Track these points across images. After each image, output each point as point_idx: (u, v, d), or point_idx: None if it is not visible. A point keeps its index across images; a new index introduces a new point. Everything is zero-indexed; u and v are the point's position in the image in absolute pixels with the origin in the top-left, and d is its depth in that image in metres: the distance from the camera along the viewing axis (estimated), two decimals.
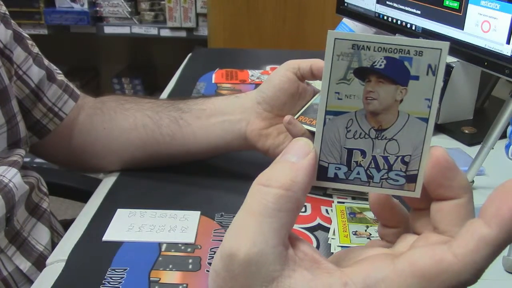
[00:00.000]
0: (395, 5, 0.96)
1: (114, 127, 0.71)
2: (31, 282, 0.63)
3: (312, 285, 0.25)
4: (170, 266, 0.55)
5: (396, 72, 0.26)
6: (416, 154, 0.27)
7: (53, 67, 0.74)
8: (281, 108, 0.65)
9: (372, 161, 0.28)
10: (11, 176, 0.62)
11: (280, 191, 0.25)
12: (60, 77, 0.74)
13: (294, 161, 0.27)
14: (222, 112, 0.68)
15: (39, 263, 0.65)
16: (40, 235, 0.68)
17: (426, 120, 0.27)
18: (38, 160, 1.96)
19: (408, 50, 0.26)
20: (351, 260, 0.28)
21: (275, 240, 0.25)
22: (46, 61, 0.73)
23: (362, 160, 0.28)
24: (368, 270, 0.25)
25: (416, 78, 0.26)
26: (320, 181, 0.28)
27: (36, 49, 0.72)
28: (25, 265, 0.64)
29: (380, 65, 0.26)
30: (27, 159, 0.71)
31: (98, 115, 0.73)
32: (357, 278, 0.25)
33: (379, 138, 0.27)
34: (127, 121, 0.71)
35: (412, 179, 0.28)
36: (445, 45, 0.26)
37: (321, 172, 0.28)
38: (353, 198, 0.67)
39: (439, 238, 0.26)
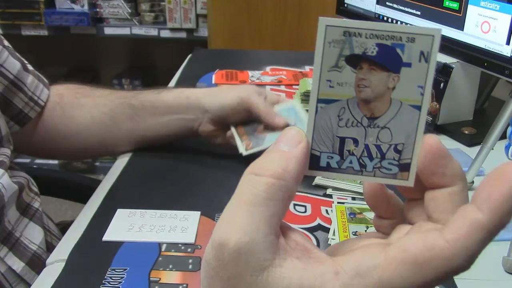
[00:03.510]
0: (395, 6, 0.96)
1: (73, 124, 0.76)
2: (25, 281, 0.63)
3: (303, 274, 0.24)
4: (170, 266, 0.55)
5: (388, 59, 0.26)
6: (409, 142, 0.27)
7: (23, 58, 0.76)
8: (228, 119, 0.73)
9: (364, 149, 0.27)
10: None
11: (271, 180, 0.25)
12: (31, 67, 0.77)
13: (285, 150, 0.26)
14: (176, 111, 0.75)
15: (33, 262, 0.65)
16: (33, 235, 0.68)
17: (419, 107, 0.27)
18: (38, 160, 1.96)
19: (400, 37, 0.26)
20: (345, 251, 0.27)
21: (266, 229, 0.25)
22: (17, 53, 0.75)
23: (355, 149, 0.27)
24: (360, 258, 0.25)
25: (409, 65, 0.26)
26: (312, 170, 0.28)
27: (6, 42, 0.73)
28: (18, 265, 0.63)
29: (372, 52, 0.26)
30: (20, 160, 0.71)
31: (57, 110, 0.76)
32: (349, 266, 0.24)
33: (372, 126, 0.27)
34: (85, 117, 0.76)
35: (405, 167, 0.27)
36: (438, 31, 0.26)
37: (313, 161, 0.28)
38: (353, 199, 0.67)
39: (433, 226, 0.26)
